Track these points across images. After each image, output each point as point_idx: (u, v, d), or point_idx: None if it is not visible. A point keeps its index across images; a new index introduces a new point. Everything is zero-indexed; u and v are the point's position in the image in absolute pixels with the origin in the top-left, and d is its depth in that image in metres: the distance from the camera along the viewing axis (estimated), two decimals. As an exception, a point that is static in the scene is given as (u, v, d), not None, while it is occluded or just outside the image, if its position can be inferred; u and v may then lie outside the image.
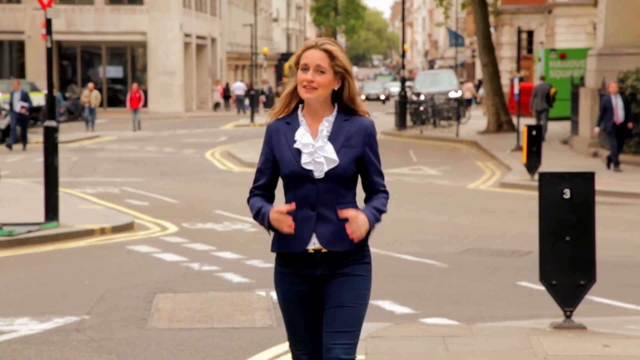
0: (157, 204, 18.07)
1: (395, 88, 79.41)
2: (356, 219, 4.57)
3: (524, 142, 20.91)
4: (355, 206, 4.69)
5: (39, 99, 39.87)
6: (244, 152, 28.92)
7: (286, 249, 4.70)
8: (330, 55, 4.64)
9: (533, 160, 20.85)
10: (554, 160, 24.09)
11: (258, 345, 8.19)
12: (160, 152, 30.96)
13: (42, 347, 8.32)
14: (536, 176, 19.56)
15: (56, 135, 14.89)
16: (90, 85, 42.73)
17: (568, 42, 50.63)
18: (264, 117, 45.44)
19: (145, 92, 56.97)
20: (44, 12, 14.94)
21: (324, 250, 4.66)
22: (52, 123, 14.95)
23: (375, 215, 4.67)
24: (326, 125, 4.69)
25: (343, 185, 4.67)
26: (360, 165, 4.71)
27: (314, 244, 4.66)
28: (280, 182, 4.84)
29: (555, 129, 34.62)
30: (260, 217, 4.68)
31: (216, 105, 61.99)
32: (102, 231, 14.71)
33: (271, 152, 4.73)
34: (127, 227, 15.07)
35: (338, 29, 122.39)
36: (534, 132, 20.81)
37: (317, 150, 4.65)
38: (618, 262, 12.23)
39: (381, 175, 4.79)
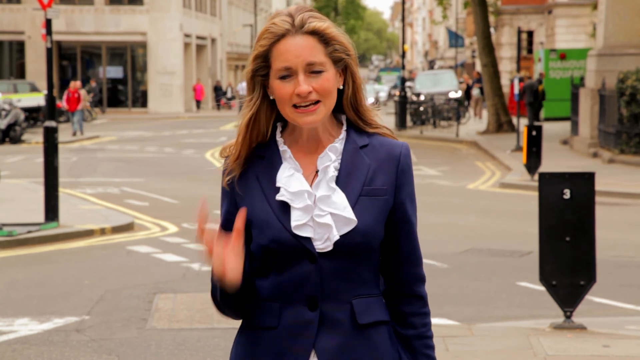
0: (157, 204, 18.07)
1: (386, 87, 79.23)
2: None
3: (523, 143, 20.91)
4: (379, 300, 2.77)
5: (38, 99, 39.85)
6: (244, 152, 28.86)
7: None
8: (323, 38, 2.66)
9: (533, 160, 20.85)
10: (554, 161, 24.07)
11: (258, 346, 8.18)
12: (160, 152, 30.96)
13: (42, 347, 8.32)
14: (536, 176, 19.54)
15: (56, 136, 14.90)
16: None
17: (568, 42, 50.67)
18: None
19: (145, 92, 57.02)
20: (44, 12, 14.94)
21: None
22: (52, 123, 14.95)
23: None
24: (332, 159, 2.68)
25: (364, 262, 2.70)
26: (387, 226, 2.72)
27: None
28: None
29: (555, 129, 34.61)
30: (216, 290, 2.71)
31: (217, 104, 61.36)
32: (102, 231, 14.72)
33: (236, 210, 2.68)
34: (127, 228, 15.08)
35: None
36: (534, 133, 20.82)
37: (318, 204, 2.66)
38: (618, 262, 12.23)
39: (417, 254, 2.80)
